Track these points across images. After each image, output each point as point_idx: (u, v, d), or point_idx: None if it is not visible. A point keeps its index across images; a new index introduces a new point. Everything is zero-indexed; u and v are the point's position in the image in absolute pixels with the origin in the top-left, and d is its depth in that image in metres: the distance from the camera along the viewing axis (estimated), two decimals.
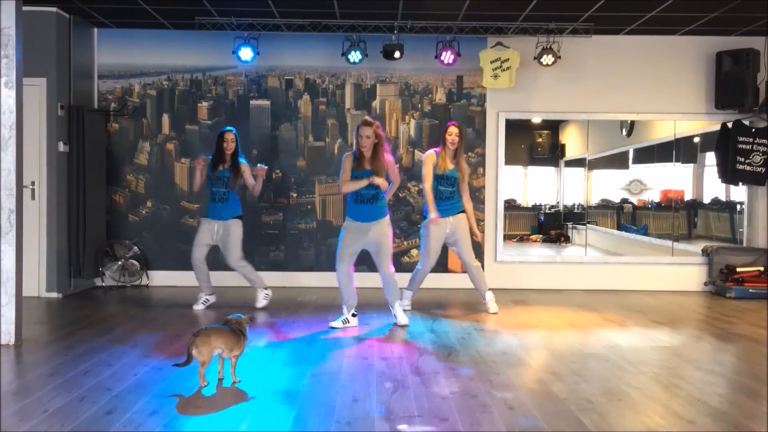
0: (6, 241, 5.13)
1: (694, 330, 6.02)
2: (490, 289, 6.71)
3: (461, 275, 8.03)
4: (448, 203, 6.48)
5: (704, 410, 3.73)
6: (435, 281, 8.03)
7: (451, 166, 6.47)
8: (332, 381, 4.22)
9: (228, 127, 6.80)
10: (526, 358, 4.94)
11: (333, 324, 5.92)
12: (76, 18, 7.57)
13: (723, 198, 9.43)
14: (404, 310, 6.30)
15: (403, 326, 5.94)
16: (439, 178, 6.45)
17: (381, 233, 5.86)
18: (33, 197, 7.25)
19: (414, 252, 8.14)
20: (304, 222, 8.19)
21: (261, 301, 6.81)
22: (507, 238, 10.71)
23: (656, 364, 4.74)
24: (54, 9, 7.24)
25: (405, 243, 8.15)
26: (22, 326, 5.26)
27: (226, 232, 6.64)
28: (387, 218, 5.94)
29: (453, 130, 6.45)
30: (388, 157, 5.94)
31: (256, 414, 3.61)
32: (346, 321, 5.93)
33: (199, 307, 6.72)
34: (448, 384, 4.16)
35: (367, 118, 6.04)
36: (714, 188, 9.42)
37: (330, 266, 8.11)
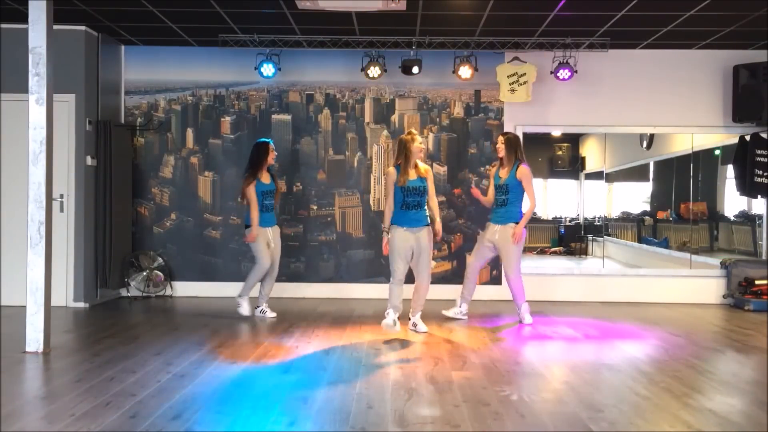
0: (35, 252, 5.31)
1: (710, 342, 6.03)
2: (527, 301, 6.88)
3: (479, 287, 8.13)
4: (501, 210, 6.75)
5: (714, 420, 3.78)
6: (453, 292, 8.12)
7: (503, 175, 6.77)
8: (348, 388, 4.32)
9: (266, 139, 7.09)
10: (541, 368, 5.01)
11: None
12: (104, 36, 7.81)
13: (746, 211, 9.41)
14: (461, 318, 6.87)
15: (423, 333, 6.14)
16: (494, 187, 6.83)
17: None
18: (62, 210, 7.46)
19: (432, 264, 8.22)
20: (324, 234, 8.32)
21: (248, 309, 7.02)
22: (527, 250, 10.77)
23: (670, 375, 4.78)
24: (83, 27, 7.48)
25: None
26: (50, 335, 5.42)
27: (276, 236, 7.00)
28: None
29: (499, 139, 6.86)
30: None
31: (274, 419, 3.72)
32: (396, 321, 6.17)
33: (272, 314, 6.96)
34: (461, 392, 4.25)
35: (411, 130, 6.39)
36: (737, 201, 9.40)
37: (349, 277, 8.29)
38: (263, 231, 6.87)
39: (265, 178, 6.89)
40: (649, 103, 8.26)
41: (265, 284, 7.02)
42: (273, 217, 7.04)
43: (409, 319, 6.26)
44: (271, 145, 6.93)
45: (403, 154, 6.10)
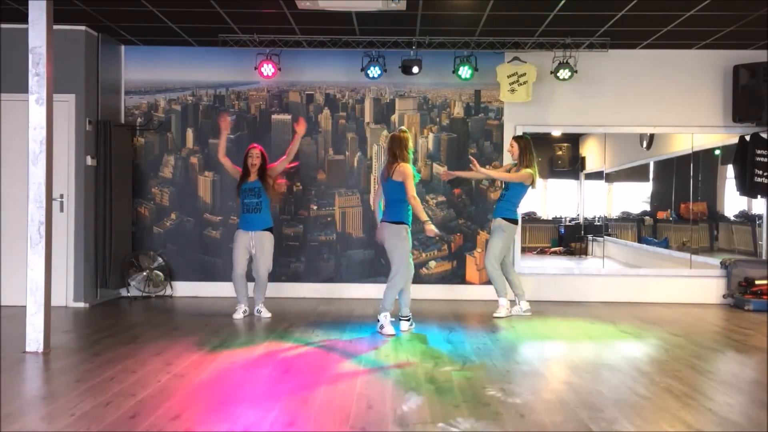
0: (35, 252, 5.30)
1: (711, 342, 6.03)
2: (527, 300, 7.17)
3: (479, 287, 8.16)
4: (496, 204, 7.26)
5: (714, 420, 3.78)
6: (452, 292, 8.14)
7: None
8: (348, 388, 4.32)
9: (252, 145, 7.12)
10: (540, 368, 5.01)
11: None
12: (104, 36, 7.81)
13: (746, 211, 9.40)
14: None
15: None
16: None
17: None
18: (62, 210, 7.46)
19: (432, 264, 8.24)
20: (324, 234, 8.32)
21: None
22: (527, 250, 10.77)
23: (670, 375, 4.77)
24: (83, 27, 7.48)
25: (423, 255, 8.24)
26: (50, 335, 5.42)
27: (262, 242, 6.85)
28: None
29: (511, 143, 7.21)
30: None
31: (274, 419, 3.72)
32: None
33: (239, 316, 6.88)
34: (461, 392, 4.25)
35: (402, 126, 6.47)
36: (737, 201, 9.39)
37: (348, 277, 8.29)
38: (242, 234, 6.87)
39: (252, 176, 6.88)
40: (649, 103, 8.26)
41: (255, 291, 7.03)
42: (256, 220, 6.87)
43: (399, 319, 6.28)
44: (253, 151, 6.91)
45: (404, 151, 6.12)
